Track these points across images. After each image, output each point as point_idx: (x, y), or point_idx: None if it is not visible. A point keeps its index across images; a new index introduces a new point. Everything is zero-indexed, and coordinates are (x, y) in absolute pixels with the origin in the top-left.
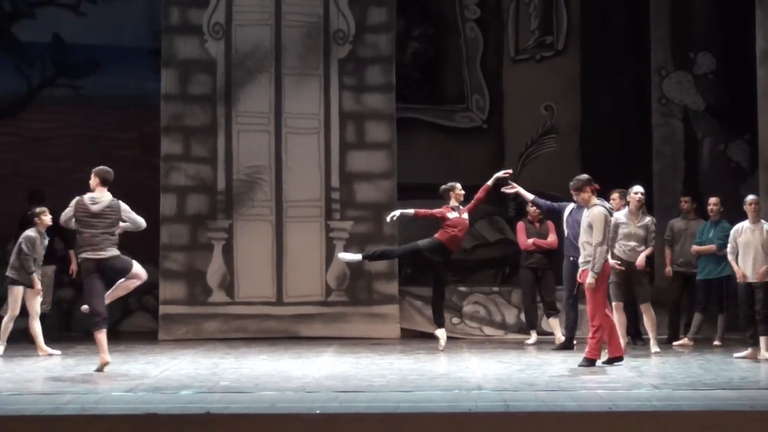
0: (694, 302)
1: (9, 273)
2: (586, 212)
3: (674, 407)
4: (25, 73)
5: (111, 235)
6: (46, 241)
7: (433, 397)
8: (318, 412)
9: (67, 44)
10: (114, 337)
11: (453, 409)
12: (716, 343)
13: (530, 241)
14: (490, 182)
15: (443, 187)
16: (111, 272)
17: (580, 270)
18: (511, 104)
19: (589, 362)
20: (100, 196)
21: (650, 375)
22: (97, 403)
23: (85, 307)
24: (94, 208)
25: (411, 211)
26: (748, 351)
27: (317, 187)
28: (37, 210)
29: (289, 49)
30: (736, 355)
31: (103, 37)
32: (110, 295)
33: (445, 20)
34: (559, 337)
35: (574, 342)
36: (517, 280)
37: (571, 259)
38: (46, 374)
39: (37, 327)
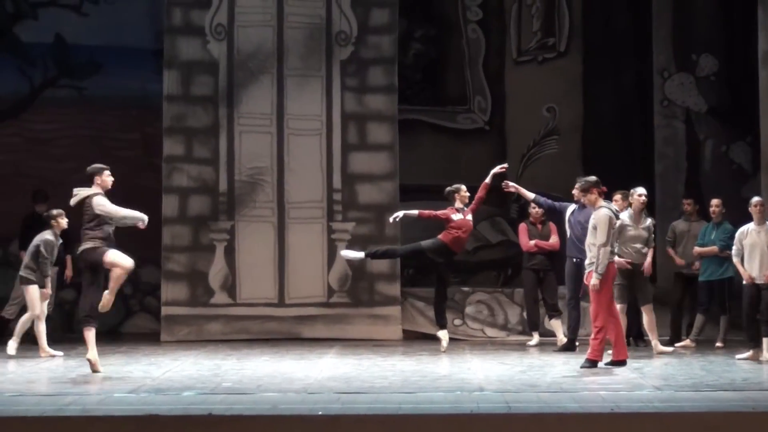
0: (696, 303)
1: (24, 273)
2: (593, 214)
3: (676, 408)
4: (28, 74)
5: (90, 230)
6: (60, 243)
7: (435, 398)
8: (320, 413)
9: (70, 45)
10: (116, 339)
11: (455, 410)
12: (718, 344)
13: (532, 242)
14: (488, 180)
15: (448, 188)
16: (86, 264)
17: (586, 272)
18: (513, 106)
19: (591, 363)
20: (78, 191)
21: (652, 376)
22: (99, 405)
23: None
24: (71, 202)
25: (415, 212)
26: (750, 352)
27: (319, 189)
28: (54, 212)
29: (292, 51)
30: (738, 356)
31: (106, 37)
32: (110, 290)
33: (448, 21)
34: (561, 338)
35: (577, 343)
36: (519, 282)
37: (574, 260)
38: (49, 375)
39: (42, 328)
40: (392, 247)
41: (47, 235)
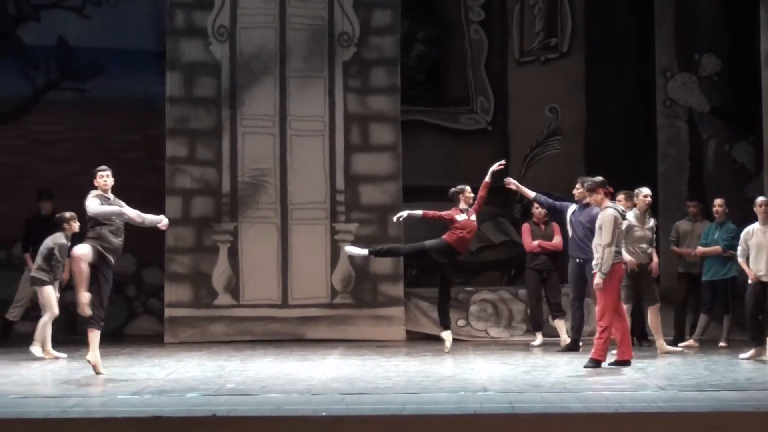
0: (700, 303)
1: (37, 274)
2: (600, 214)
3: (680, 408)
4: (30, 76)
5: (87, 231)
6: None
7: (438, 398)
8: (324, 414)
9: (72, 47)
10: (119, 340)
11: (459, 410)
12: (722, 344)
13: (535, 242)
14: (488, 178)
15: (453, 189)
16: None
17: (593, 272)
18: (515, 106)
19: (595, 363)
20: None
21: (656, 376)
22: (103, 406)
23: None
24: None
25: (419, 212)
26: (753, 351)
27: (322, 190)
28: (67, 215)
29: (294, 52)
30: (741, 356)
31: (108, 40)
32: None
33: (450, 22)
34: (565, 338)
35: (580, 343)
36: (523, 282)
37: (577, 260)
38: (52, 377)
39: (48, 330)
40: (396, 245)
41: (61, 238)
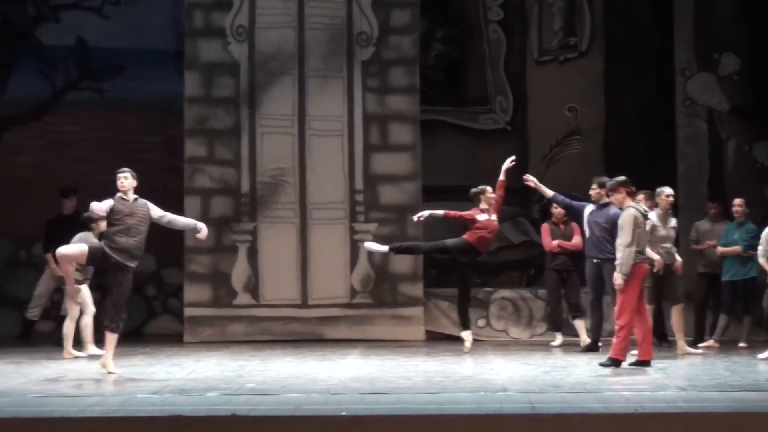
0: (720, 304)
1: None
2: (622, 214)
3: (700, 409)
4: (49, 77)
5: None
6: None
7: (458, 399)
8: (343, 414)
9: (91, 47)
10: (139, 340)
11: (478, 410)
12: (742, 344)
13: (555, 242)
14: (502, 177)
15: (473, 190)
16: None
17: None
18: (534, 106)
19: (613, 362)
20: None
21: (676, 377)
22: (123, 406)
23: None
24: None
25: (441, 212)
26: None
27: (341, 190)
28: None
29: (313, 52)
30: (759, 356)
31: (127, 40)
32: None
33: (469, 22)
34: (585, 339)
35: (600, 344)
36: (542, 282)
37: (594, 260)
38: (72, 376)
39: (71, 329)
40: (416, 243)
41: (90, 237)
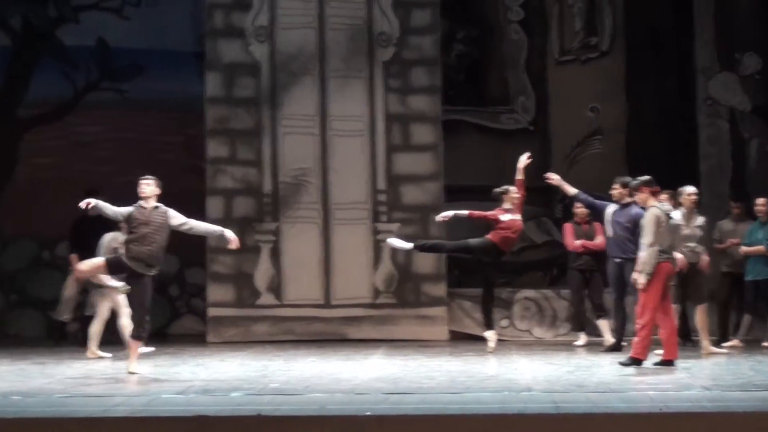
0: (744, 303)
1: None
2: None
3: (725, 408)
4: (70, 78)
5: None
6: None
7: (482, 398)
8: (367, 413)
9: (112, 48)
10: (163, 340)
11: (502, 410)
12: (765, 344)
13: (578, 242)
14: (519, 176)
15: (496, 190)
16: None
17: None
18: (556, 106)
19: (633, 361)
20: None
21: (701, 376)
22: (147, 406)
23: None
24: None
25: (465, 212)
26: None
27: (363, 190)
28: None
29: (334, 52)
30: None
31: (147, 40)
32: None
33: (489, 22)
34: (608, 338)
35: (624, 343)
36: (565, 282)
37: (616, 260)
38: (97, 376)
39: (98, 330)
40: (440, 241)
41: (121, 237)
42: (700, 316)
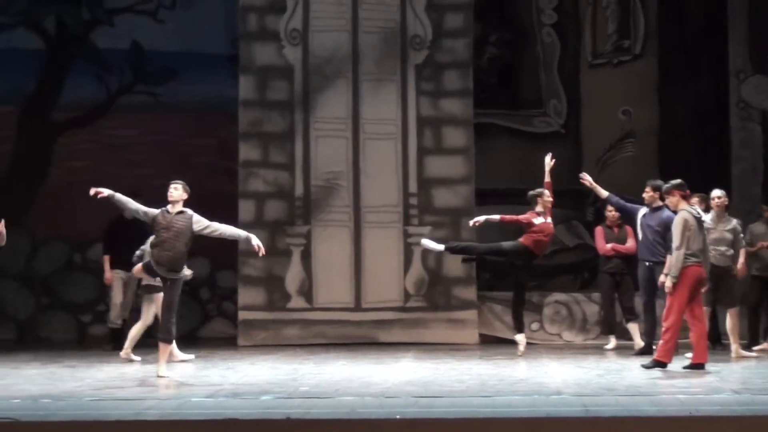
0: None
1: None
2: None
3: (755, 412)
4: (104, 81)
5: None
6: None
7: (512, 402)
8: (398, 417)
9: (145, 51)
10: (193, 343)
11: (532, 414)
12: None
13: (609, 246)
14: (547, 178)
15: (531, 192)
16: None
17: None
18: (588, 109)
19: (657, 364)
20: None
21: (730, 380)
22: (178, 409)
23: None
24: None
25: (497, 217)
26: None
27: (395, 193)
28: None
29: (367, 55)
30: None
31: (181, 43)
32: None
33: (522, 25)
34: (639, 342)
35: (654, 347)
36: (596, 286)
37: (647, 263)
38: (127, 380)
39: (138, 332)
40: (472, 243)
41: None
42: (730, 320)
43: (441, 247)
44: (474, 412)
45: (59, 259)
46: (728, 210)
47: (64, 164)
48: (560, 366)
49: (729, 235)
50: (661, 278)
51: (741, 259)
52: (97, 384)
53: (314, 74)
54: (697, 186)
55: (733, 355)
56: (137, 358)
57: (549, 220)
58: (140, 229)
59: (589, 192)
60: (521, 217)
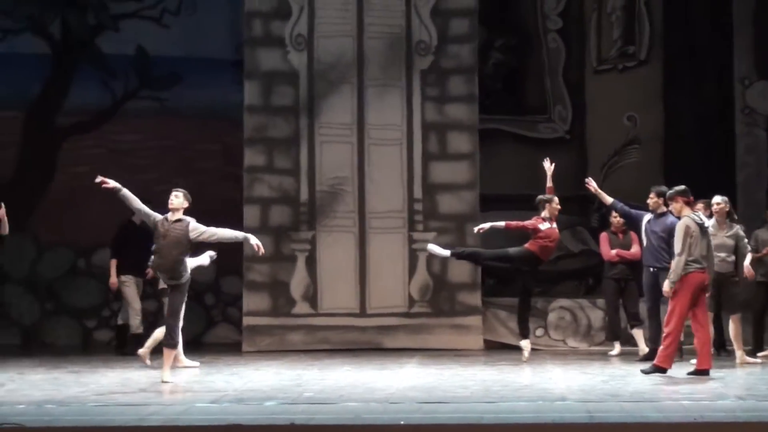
0: None
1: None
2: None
3: (759, 418)
4: (109, 86)
5: None
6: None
7: (517, 408)
8: (402, 423)
9: (151, 56)
10: (198, 349)
11: (537, 419)
12: None
13: (614, 251)
14: (549, 183)
15: (540, 197)
16: None
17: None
18: (593, 115)
19: (656, 369)
20: None
21: (735, 386)
22: (182, 414)
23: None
24: None
25: (502, 223)
26: None
27: (400, 199)
28: None
29: (372, 61)
30: None
31: (186, 49)
32: None
33: (527, 31)
34: (643, 348)
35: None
36: (601, 291)
37: (651, 269)
38: (131, 385)
39: (159, 335)
40: (478, 249)
41: None
42: (733, 326)
43: (447, 252)
44: (478, 418)
45: (64, 265)
46: (733, 216)
47: (68, 169)
48: (564, 372)
49: (730, 242)
50: (666, 285)
51: (747, 264)
52: (101, 389)
53: (319, 80)
54: (702, 192)
55: (737, 361)
56: (150, 363)
57: (555, 225)
58: (149, 233)
59: (594, 198)
60: (527, 223)
